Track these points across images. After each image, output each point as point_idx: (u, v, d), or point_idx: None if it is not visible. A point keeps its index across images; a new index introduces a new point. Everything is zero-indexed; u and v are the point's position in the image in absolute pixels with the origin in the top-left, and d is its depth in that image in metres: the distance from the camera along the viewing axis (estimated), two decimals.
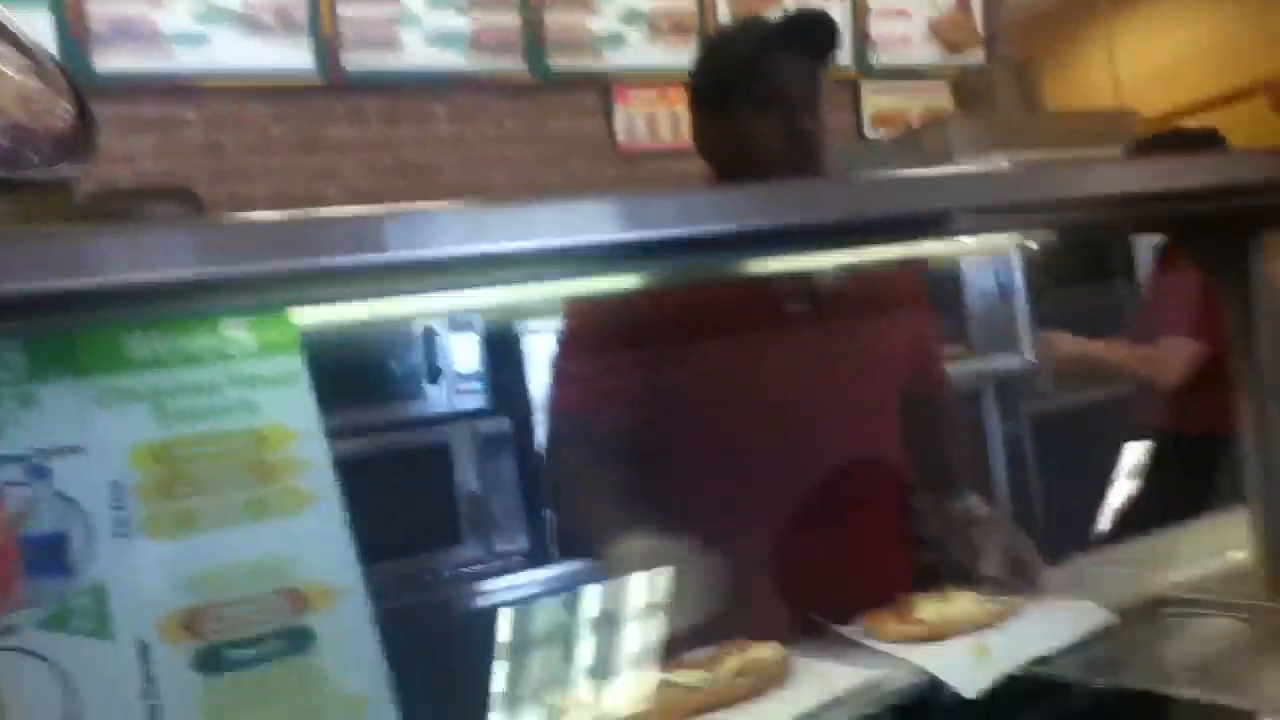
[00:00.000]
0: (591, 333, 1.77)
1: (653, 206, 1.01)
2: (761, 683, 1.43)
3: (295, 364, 0.87)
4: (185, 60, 3.61)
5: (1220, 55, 5.04)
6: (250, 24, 3.71)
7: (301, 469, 0.82)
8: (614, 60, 4.32)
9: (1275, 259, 1.43)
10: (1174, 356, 2.82)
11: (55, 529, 0.74)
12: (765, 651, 1.48)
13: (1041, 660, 1.45)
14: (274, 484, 0.80)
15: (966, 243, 1.93)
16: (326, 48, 3.82)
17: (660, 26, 4.40)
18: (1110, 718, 1.40)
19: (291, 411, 0.84)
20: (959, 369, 3.91)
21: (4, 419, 0.77)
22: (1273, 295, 1.48)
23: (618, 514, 1.68)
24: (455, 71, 4.04)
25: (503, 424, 3.25)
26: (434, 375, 3.21)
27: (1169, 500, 2.54)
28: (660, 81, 4.38)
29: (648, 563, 1.55)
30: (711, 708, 1.40)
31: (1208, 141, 2.96)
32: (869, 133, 4.84)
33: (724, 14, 4.51)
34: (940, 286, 4.04)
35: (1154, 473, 3.04)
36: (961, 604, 1.57)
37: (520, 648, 1.49)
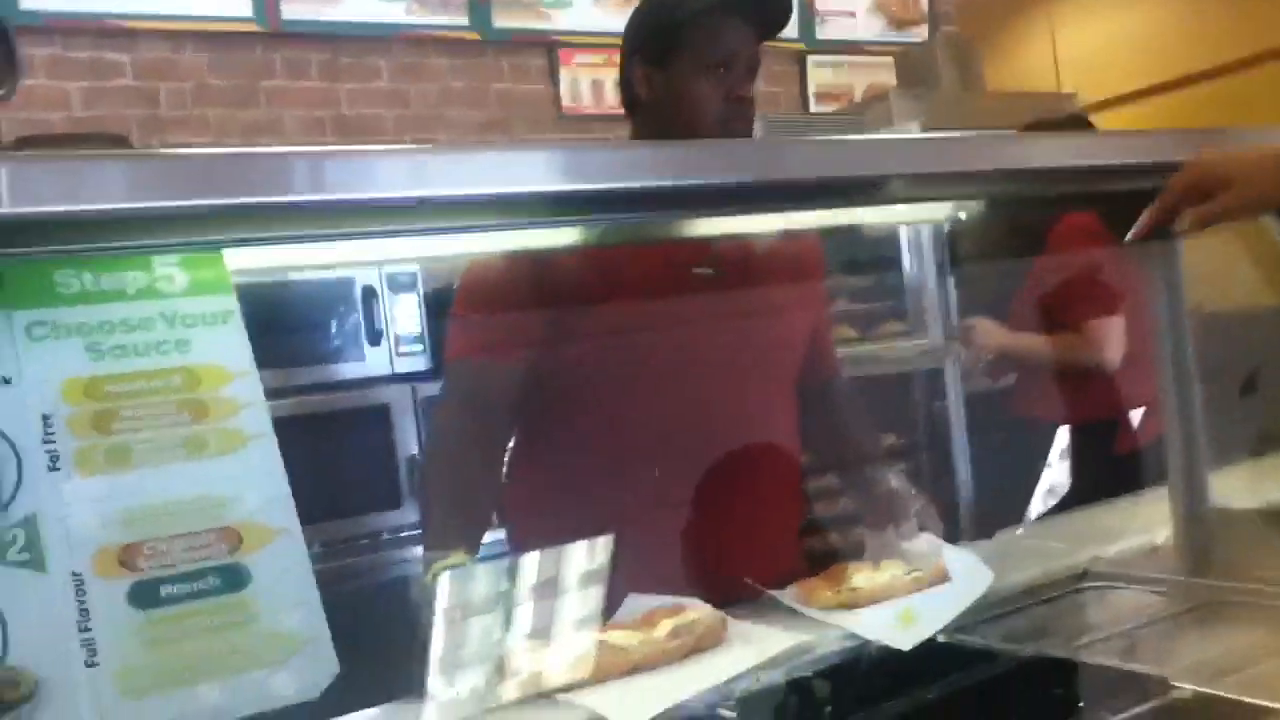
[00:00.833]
0: (489, 285, 1.74)
1: (593, 159, 1.02)
2: (696, 643, 1.44)
3: (229, 303, 0.86)
4: (117, 1, 3.52)
5: (1157, 46, 5.12)
6: None
7: (237, 409, 0.81)
8: (560, 22, 4.29)
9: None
10: (1109, 338, 2.87)
11: None
12: (699, 614, 1.49)
13: (965, 628, 1.49)
14: (209, 423, 0.80)
15: (897, 213, 1.96)
16: None
17: None
18: (1030, 684, 1.44)
19: (226, 351, 0.84)
20: (892, 346, 3.98)
21: None
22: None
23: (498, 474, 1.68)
24: (397, 24, 3.99)
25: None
26: (374, 337, 3.18)
27: (1093, 480, 2.60)
28: (607, 45, 4.35)
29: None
30: (646, 667, 1.40)
31: (1079, 126, 3.02)
32: (813, 106, 4.86)
33: None
34: (876, 262, 4.10)
35: (1078, 453, 3.10)
36: (889, 572, 1.61)
37: (459, 612, 1.48)
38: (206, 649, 0.73)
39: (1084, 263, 2.89)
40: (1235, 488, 1.77)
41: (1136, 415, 2.82)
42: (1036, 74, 5.56)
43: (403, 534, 3.14)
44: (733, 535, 1.77)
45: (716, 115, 1.72)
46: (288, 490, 0.79)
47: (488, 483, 1.73)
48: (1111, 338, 2.85)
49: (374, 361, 3.19)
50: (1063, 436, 2.99)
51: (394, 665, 1.25)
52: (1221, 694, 1.20)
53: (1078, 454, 2.90)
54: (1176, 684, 1.24)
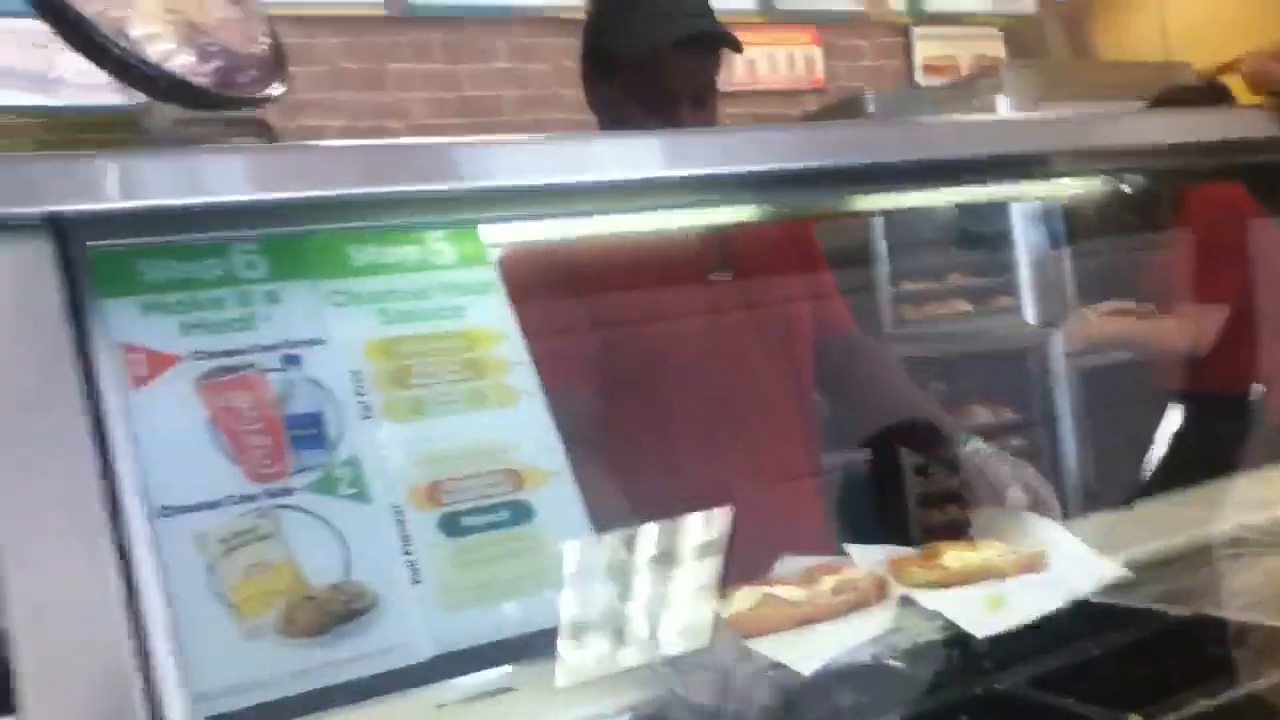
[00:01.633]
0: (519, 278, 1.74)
1: (748, 141, 1.08)
2: (860, 599, 1.50)
3: (490, 274, 0.96)
4: None
5: (1271, 8, 5.02)
6: None
7: (507, 368, 0.92)
8: None
9: None
10: (1200, 324, 2.84)
11: (311, 409, 0.84)
12: (860, 572, 1.56)
13: (1115, 590, 1.52)
14: (487, 379, 0.90)
15: (1021, 190, 1.99)
16: None
17: None
18: (1187, 644, 1.48)
19: (492, 316, 0.94)
20: (1007, 322, 3.99)
21: (256, 314, 0.87)
22: None
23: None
24: (515, 5, 4.10)
25: None
26: None
27: (1236, 451, 2.60)
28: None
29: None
30: (815, 620, 1.47)
31: (1216, 97, 2.96)
32: (920, 79, 4.87)
33: None
34: (988, 237, 4.10)
35: (1198, 428, 3.09)
36: (984, 553, 1.63)
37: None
38: (505, 571, 0.84)
39: (1207, 240, 2.86)
40: None
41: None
42: (1144, 43, 5.49)
43: None
44: (769, 512, 1.73)
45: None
46: (556, 438, 0.90)
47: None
48: (1203, 326, 2.82)
49: None
50: (1200, 407, 2.96)
51: None
52: None
53: (1219, 424, 2.87)
54: None
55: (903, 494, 1.93)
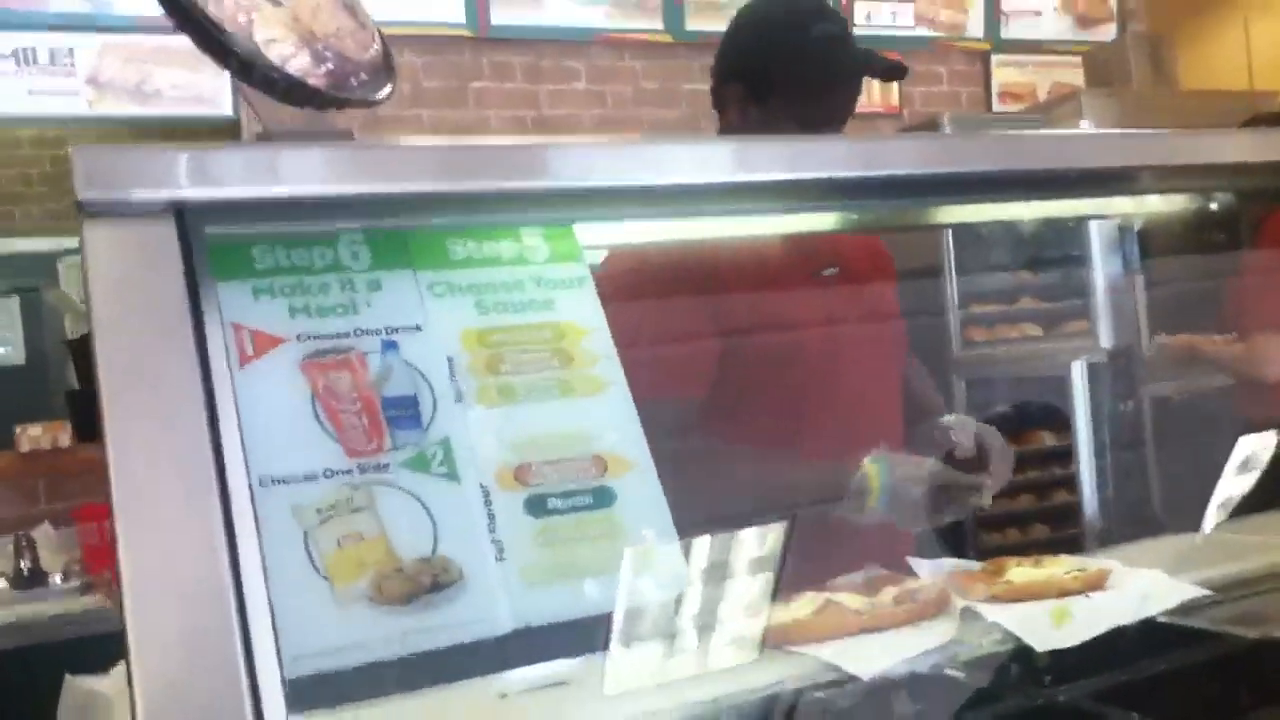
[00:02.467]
0: (633, 279, 1.72)
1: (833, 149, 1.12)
2: (921, 610, 1.52)
3: (581, 270, 1.01)
4: None
5: None
6: None
7: (595, 359, 0.96)
8: None
9: None
10: (1268, 353, 2.81)
11: (407, 391, 0.89)
12: (922, 583, 1.57)
13: (1182, 611, 1.51)
14: (574, 369, 0.94)
15: (1094, 208, 1.99)
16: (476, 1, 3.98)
17: None
18: (1254, 667, 1.47)
19: (582, 311, 0.99)
20: (1077, 346, 3.96)
21: (358, 300, 0.92)
22: None
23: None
24: (595, 27, 4.17)
25: None
26: None
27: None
28: None
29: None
30: (874, 629, 1.48)
31: None
32: (996, 105, 4.87)
33: None
34: (1061, 260, 4.08)
35: (1274, 457, 3.04)
36: (1049, 570, 1.61)
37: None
38: (586, 554, 0.88)
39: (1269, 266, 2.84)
40: None
41: None
42: (1227, 73, 5.42)
43: None
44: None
45: None
46: (640, 430, 0.93)
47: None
48: (1273, 354, 2.79)
49: None
50: (1273, 435, 2.92)
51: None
52: None
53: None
54: None
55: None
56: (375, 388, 0.87)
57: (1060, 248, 4.13)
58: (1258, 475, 3.08)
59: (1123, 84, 4.41)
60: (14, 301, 5.31)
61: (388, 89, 1.09)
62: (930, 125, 4.32)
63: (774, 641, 1.41)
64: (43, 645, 2.82)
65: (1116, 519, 3.76)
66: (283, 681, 0.74)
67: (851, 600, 1.54)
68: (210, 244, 0.84)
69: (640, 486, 0.91)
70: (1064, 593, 1.53)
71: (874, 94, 4.60)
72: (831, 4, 4.58)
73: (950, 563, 1.71)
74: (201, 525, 0.77)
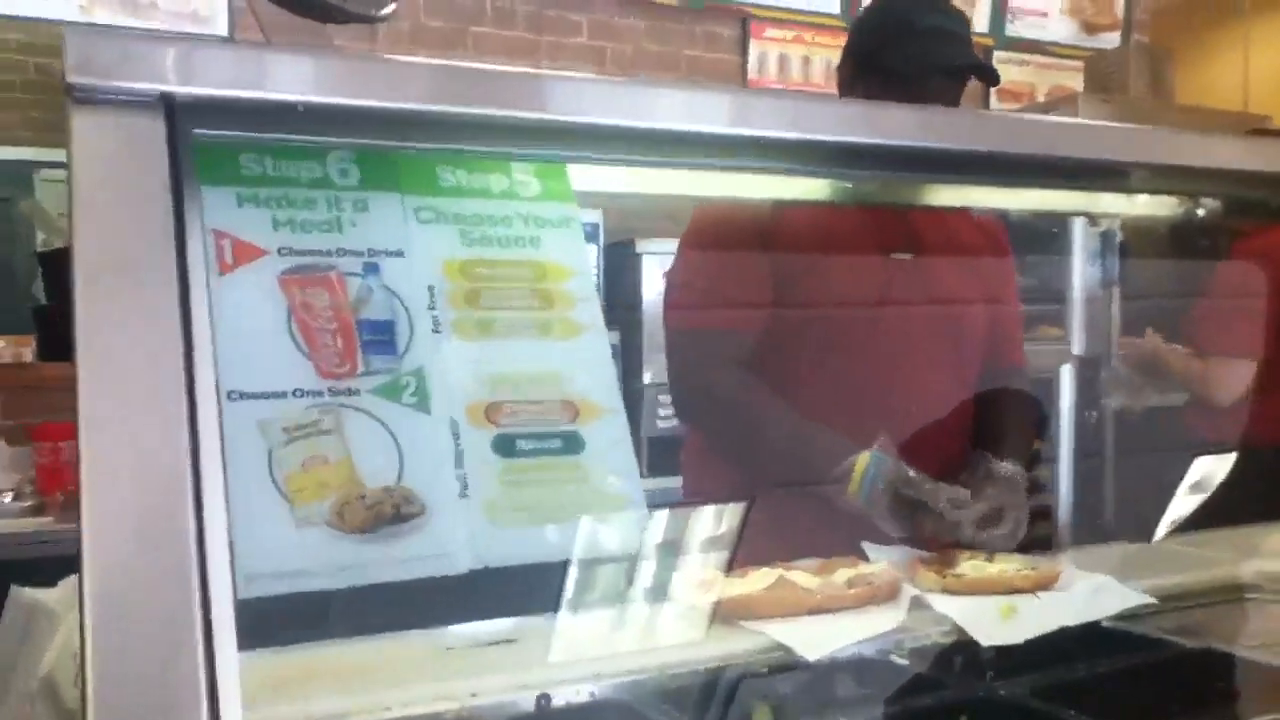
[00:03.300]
0: (715, 238, 1.84)
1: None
2: (872, 595, 1.51)
3: (572, 211, 0.99)
4: None
5: None
6: None
7: (575, 302, 0.94)
8: None
9: None
10: (1224, 379, 2.83)
11: (385, 316, 0.87)
12: (876, 568, 1.58)
13: (1127, 617, 1.52)
14: (554, 311, 0.93)
15: (1079, 202, 1.98)
16: None
17: None
18: (1190, 674, 1.48)
19: (567, 252, 0.97)
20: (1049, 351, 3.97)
21: (343, 219, 0.90)
22: None
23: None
24: None
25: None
26: None
27: (1262, 502, 2.58)
28: (799, 22, 4.42)
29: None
30: (825, 609, 1.48)
31: None
32: (993, 102, 4.85)
33: None
34: (1045, 263, 4.08)
35: (1246, 473, 3.06)
36: (1000, 565, 1.62)
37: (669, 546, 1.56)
38: (550, 497, 0.87)
39: (1255, 287, 2.85)
40: None
41: None
42: (1223, 93, 5.43)
43: None
44: None
45: None
46: (615, 376, 0.92)
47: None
48: (1229, 380, 2.81)
49: None
50: (1229, 456, 2.95)
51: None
52: None
53: (1246, 474, 2.86)
54: None
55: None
56: (353, 310, 0.86)
57: (1041, 250, 4.13)
58: (1210, 493, 3.11)
59: (1121, 92, 4.41)
60: None
61: (391, 6, 1.07)
62: None
63: (724, 615, 1.42)
64: None
65: (1071, 524, 3.79)
66: (234, 603, 0.73)
67: (804, 579, 1.54)
68: (197, 146, 0.81)
69: (610, 434, 0.90)
70: (1013, 590, 1.54)
71: None
72: None
73: (903, 550, 1.71)
74: (166, 431, 0.75)
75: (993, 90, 4.86)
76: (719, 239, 1.83)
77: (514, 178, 0.97)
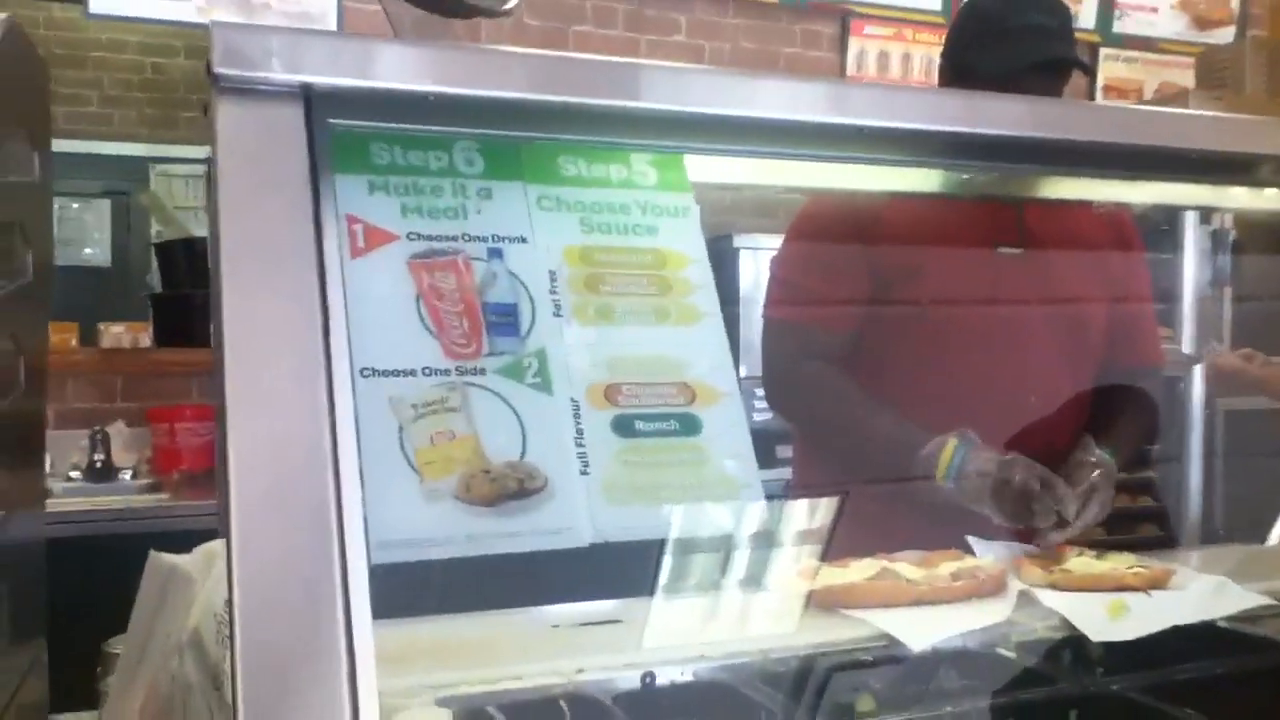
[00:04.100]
0: (819, 231, 1.87)
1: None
2: (977, 588, 1.51)
3: (688, 200, 1.01)
4: None
5: None
6: None
7: (693, 289, 0.97)
8: None
9: None
10: None
11: (509, 300, 0.90)
12: (981, 561, 1.57)
13: (1240, 619, 1.49)
14: (672, 297, 0.95)
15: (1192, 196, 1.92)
16: None
17: None
18: None
19: (685, 240, 0.99)
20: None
21: (469, 206, 0.93)
22: None
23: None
24: None
25: None
26: None
27: None
28: (899, 19, 4.39)
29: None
30: (929, 600, 1.48)
31: None
32: (1099, 99, 4.75)
33: None
34: (1158, 262, 3.99)
35: None
36: (1110, 563, 1.60)
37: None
38: (668, 477, 0.89)
39: None
40: None
41: None
42: None
43: None
44: None
45: None
46: (731, 362, 0.94)
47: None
48: None
49: None
50: None
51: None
52: None
53: None
54: None
55: None
56: (478, 293, 0.89)
57: (1151, 248, 4.04)
58: None
59: (1235, 89, 4.29)
60: (105, 204, 5.42)
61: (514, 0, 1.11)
62: None
63: (827, 603, 1.43)
64: (111, 536, 2.90)
65: (1184, 525, 3.71)
66: (369, 566, 0.76)
67: (908, 570, 1.54)
68: (332, 135, 0.85)
69: (727, 418, 0.92)
70: (1123, 587, 1.53)
71: None
72: None
73: (1009, 546, 1.70)
74: (308, 407, 0.79)
75: (1099, 88, 4.77)
76: (823, 232, 1.85)
77: (632, 167, 1.00)
